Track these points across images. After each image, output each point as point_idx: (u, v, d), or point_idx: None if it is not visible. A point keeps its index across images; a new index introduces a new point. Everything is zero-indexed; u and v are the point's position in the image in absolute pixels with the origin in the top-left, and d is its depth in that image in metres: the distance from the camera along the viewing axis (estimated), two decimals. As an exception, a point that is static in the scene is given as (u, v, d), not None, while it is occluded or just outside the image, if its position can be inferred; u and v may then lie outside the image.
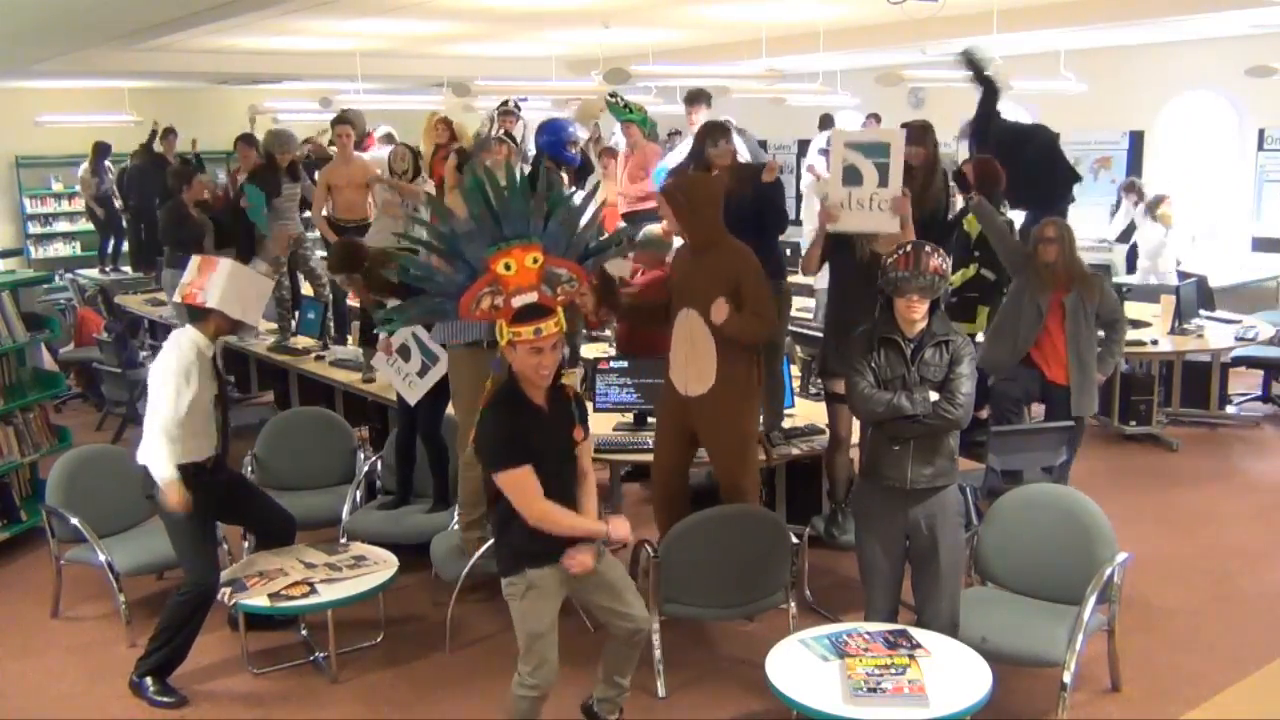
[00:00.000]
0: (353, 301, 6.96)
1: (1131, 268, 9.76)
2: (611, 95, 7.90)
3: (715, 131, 5.06)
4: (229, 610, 4.62)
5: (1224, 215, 10.91)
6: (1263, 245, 10.64)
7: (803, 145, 12.49)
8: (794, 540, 4.48)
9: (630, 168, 7.86)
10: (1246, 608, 5.13)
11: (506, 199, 3.37)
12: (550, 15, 8.84)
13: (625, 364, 5.37)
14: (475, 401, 4.87)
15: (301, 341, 7.63)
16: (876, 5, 7.95)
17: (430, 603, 5.16)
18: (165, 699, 4.38)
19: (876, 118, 10.35)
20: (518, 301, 3.37)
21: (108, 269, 12.29)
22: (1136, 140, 11.55)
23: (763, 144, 9.75)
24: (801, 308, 8.38)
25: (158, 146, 11.36)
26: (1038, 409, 5.99)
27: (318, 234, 8.15)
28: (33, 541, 5.95)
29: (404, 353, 5.43)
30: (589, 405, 4.29)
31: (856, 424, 4.77)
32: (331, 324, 7.83)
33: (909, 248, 3.90)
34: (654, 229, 6.02)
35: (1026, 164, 6.75)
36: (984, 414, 5.82)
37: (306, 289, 8.27)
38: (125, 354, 8.15)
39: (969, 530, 4.51)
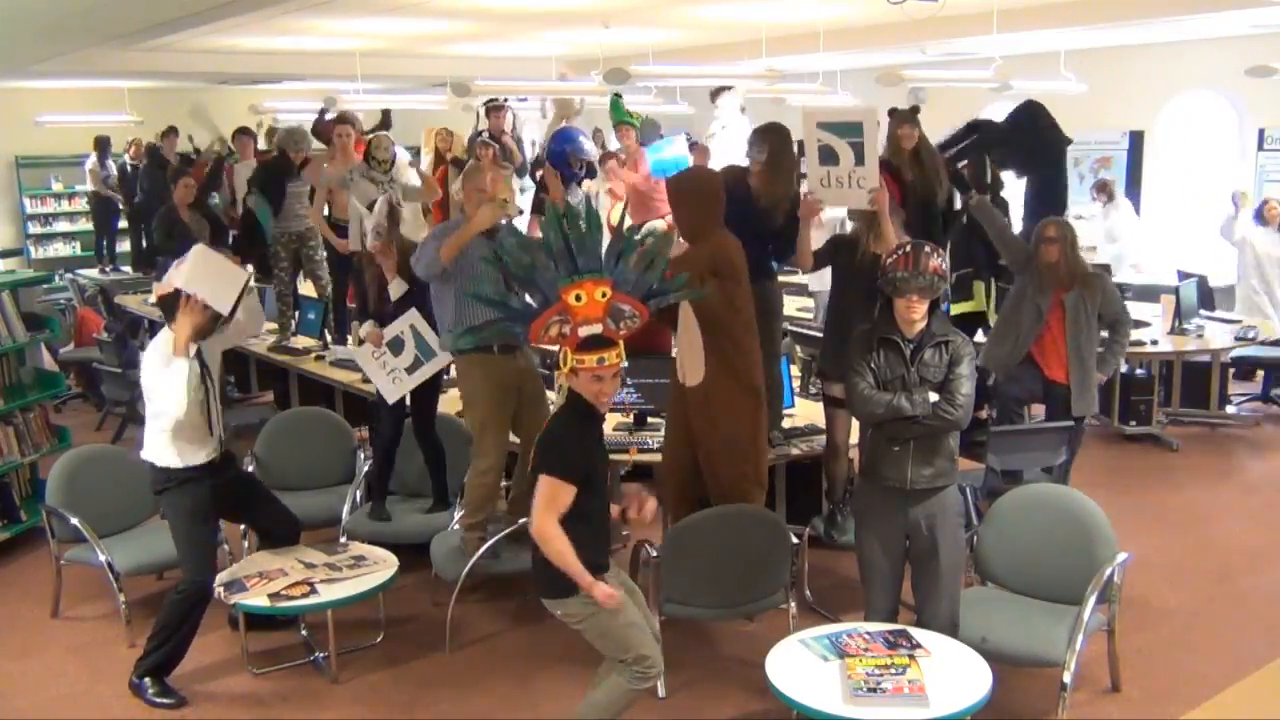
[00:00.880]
0: (351, 302, 6.93)
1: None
2: (617, 96, 8.01)
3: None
4: (229, 610, 4.62)
5: (1224, 215, 10.88)
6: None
7: (802, 146, 12.44)
8: (794, 540, 4.47)
9: (630, 167, 8.87)
10: (1246, 607, 5.13)
11: (583, 234, 3.49)
12: (550, 15, 8.84)
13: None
14: (490, 409, 4.91)
15: (301, 341, 7.64)
16: (876, 5, 7.94)
17: (430, 603, 5.16)
18: (164, 700, 4.38)
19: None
20: (584, 332, 3.50)
21: (107, 269, 12.29)
22: (1136, 140, 11.54)
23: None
24: (802, 308, 8.39)
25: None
26: (1038, 409, 5.99)
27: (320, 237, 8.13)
28: (33, 541, 5.95)
29: (395, 346, 5.33)
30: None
31: (855, 429, 4.78)
32: (332, 324, 7.82)
33: (908, 248, 3.91)
34: (658, 224, 6.07)
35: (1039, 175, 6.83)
36: (984, 414, 5.83)
37: (306, 289, 8.26)
38: (125, 354, 8.14)
39: (969, 530, 4.51)
